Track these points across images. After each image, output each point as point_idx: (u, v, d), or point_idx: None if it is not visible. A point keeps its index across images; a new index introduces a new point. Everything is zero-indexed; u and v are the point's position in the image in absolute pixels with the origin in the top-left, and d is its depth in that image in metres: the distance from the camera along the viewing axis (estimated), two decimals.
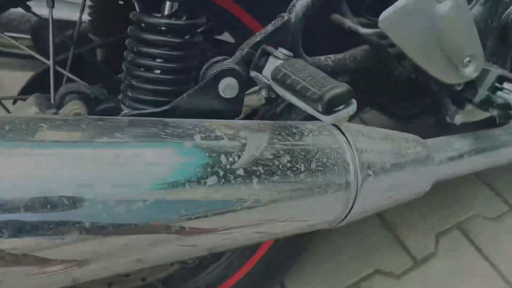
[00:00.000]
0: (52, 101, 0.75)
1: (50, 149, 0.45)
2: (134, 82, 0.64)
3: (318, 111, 0.50)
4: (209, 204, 0.53)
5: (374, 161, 0.67)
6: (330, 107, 0.49)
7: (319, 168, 0.61)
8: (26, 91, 0.93)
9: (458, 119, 0.86)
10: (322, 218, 0.64)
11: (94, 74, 0.89)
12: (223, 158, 0.54)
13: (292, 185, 0.59)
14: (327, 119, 0.50)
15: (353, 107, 0.50)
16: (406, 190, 0.73)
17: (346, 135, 0.67)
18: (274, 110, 0.78)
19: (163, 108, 0.61)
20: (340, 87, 0.49)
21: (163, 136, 0.53)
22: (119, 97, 0.71)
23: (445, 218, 1.38)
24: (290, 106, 0.80)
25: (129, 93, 0.65)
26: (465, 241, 1.33)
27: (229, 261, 1.09)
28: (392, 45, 0.78)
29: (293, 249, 1.13)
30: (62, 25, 0.99)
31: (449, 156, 0.82)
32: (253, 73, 0.65)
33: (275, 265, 1.13)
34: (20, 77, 1.05)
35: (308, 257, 1.29)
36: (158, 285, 1.07)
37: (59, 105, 0.68)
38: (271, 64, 0.63)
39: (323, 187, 0.62)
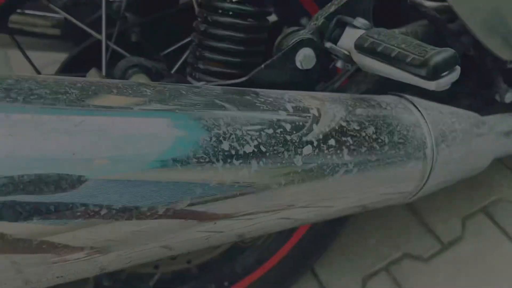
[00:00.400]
0: (103, 75, 0.73)
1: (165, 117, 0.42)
2: (207, 54, 0.62)
3: (420, 77, 0.49)
4: (303, 173, 0.51)
5: (446, 135, 0.66)
6: (435, 72, 0.48)
7: (401, 140, 0.60)
8: (64, 70, 0.90)
9: (509, 97, 0.86)
10: (399, 191, 0.63)
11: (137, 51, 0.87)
12: (315, 128, 0.52)
13: (377, 156, 0.58)
14: (431, 84, 0.48)
15: (457, 73, 0.49)
16: (471, 165, 0.72)
17: (420, 109, 0.65)
18: (331, 87, 0.77)
19: (242, 79, 0.59)
20: (447, 52, 0.48)
21: (258, 104, 0.51)
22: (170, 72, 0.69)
23: (470, 202, 1.38)
24: (348, 81, 0.79)
25: (200, 65, 0.63)
26: (491, 224, 1.34)
27: (264, 246, 1.08)
28: (452, 20, 0.77)
29: (327, 234, 1.12)
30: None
31: (505, 132, 0.81)
32: (327, 44, 0.63)
33: (309, 251, 1.12)
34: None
35: (336, 242, 1.28)
36: (192, 269, 1.05)
37: (121, 79, 0.66)
38: (349, 34, 0.62)
39: (404, 160, 0.61)
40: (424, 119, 0.65)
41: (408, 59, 0.50)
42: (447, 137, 0.66)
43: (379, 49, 0.54)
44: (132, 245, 0.44)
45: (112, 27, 0.87)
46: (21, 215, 0.35)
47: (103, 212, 0.39)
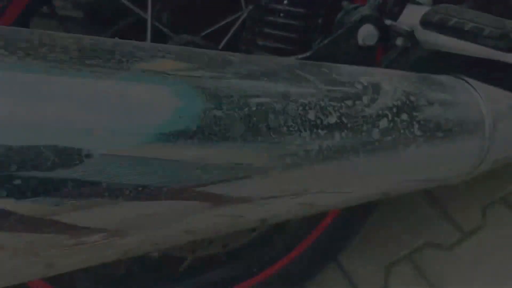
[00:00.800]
0: None
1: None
2: (267, 30, 0.61)
3: (499, 49, 0.48)
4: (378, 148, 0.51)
5: (503, 114, 0.66)
6: None
7: (463, 118, 0.60)
8: None
9: None
10: (458, 169, 0.63)
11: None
12: (388, 101, 0.52)
13: (443, 133, 0.57)
14: (511, 57, 0.48)
15: None
16: None
17: (476, 89, 0.65)
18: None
19: (305, 54, 0.58)
20: None
21: (335, 76, 0.50)
22: None
23: (490, 191, 1.39)
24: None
25: (259, 42, 0.62)
26: (510, 213, 1.35)
27: (293, 233, 1.07)
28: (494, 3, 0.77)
29: (355, 221, 1.12)
30: None
31: None
32: (387, 21, 0.62)
33: (337, 239, 1.12)
34: None
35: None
36: (222, 256, 1.04)
37: None
38: (411, 11, 0.61)
39: (465, 138, 0.61)
40: (482, 98, 0.64)
41: (485, 32, 0.50)
42: (503, 117, 0.66)
43: (450, 23, 0.53)
44: (151, 228, 0.42)
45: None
46: (28, 192, 0.33)
47: (112, 191, 0.36)
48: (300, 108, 0.44)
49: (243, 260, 1.05)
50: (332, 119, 0.46)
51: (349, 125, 0.47)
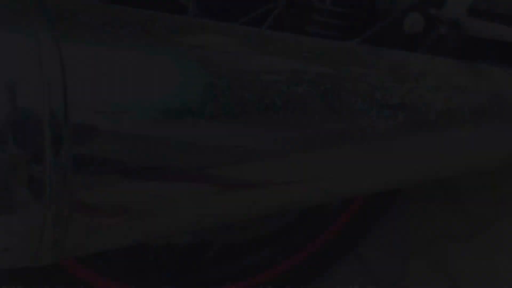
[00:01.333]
0: None
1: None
2: (318, 17, 0.62)
3: None
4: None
5: None
6: None
7: (506, 105, 0.62)
8: None
9: None
10: (496, 155, 0.65)
11: None
12: (442, 85, 0.54)
13: (489, 119, 0.59)
14: None
15: None
16: None
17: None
18: None
19: (354, 41, 0.59)
20: None
21: (393, 61, 0.52)
22: None
23: (507, 182, 1.40)
24: None
25: (308, 30, 0.63)
26: None
27: (315, 222, 1.08)
28: None
29: (380, 209, 1.12)
30: None
31: None
32: (432, 10, 0.64)
33: (360, 228, 1.12)
34: None
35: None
36: (246, 243, 1.04)
37: None
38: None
39: (508, 125, 0.62)
40: None
41: None
42: None
43: (500, 10, 0.55)
44: (165, 210, 0.42)
45: None
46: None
47: (123, 170, 0.36)
48: (369, 88, 0.46)
49: (267, 248, 1.05)
50: (396, 100, 0.48)
51: (409, 106, 0.49)
